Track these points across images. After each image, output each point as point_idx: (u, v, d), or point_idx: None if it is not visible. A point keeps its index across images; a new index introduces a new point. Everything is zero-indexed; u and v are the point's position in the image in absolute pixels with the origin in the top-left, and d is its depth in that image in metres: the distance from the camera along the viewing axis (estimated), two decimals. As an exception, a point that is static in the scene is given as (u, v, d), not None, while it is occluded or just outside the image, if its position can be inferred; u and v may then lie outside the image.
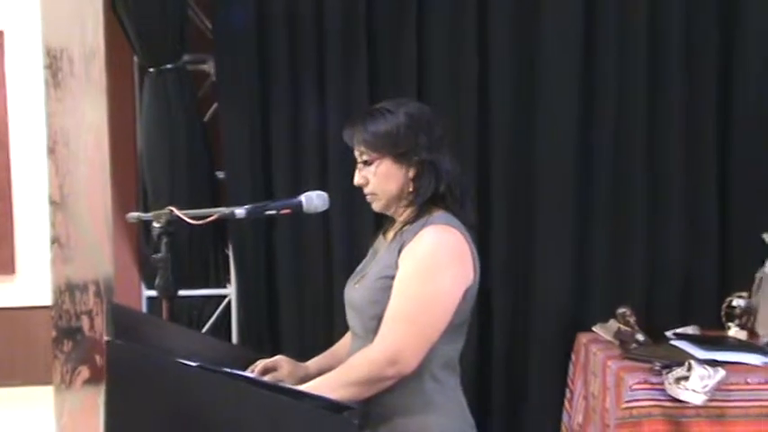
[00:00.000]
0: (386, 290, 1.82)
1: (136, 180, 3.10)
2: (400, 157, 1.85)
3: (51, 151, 3.38)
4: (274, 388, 1.74)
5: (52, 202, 3.36)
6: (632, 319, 2.82)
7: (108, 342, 1.54)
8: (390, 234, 1.93)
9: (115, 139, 2.96)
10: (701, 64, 3.04)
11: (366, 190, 1.91)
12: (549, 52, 3.01)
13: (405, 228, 1.87)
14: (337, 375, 1.80)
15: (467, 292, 1.85)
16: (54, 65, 3.31)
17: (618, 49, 3.02)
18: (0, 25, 5.27)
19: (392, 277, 1.82)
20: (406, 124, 1.85)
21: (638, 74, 3.02)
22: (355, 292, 1.91)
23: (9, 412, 4.75)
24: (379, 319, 1.81)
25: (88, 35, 3.08)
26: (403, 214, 1.90)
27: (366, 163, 1.88)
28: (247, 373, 1.92)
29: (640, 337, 2.76)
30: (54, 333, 3.34)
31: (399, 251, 1.84)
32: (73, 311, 3.25)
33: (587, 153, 3.05)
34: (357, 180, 1.91)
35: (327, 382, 1.78)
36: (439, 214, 1.86)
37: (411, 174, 1.86)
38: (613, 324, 2.88)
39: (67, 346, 3.32)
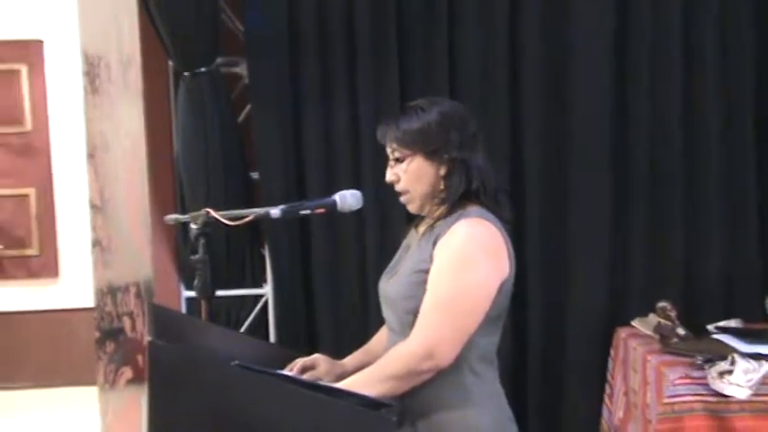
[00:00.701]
0: (421, 284, 1.82)
1: (173, 183, 3.14)
2: (432, 154, 1.85)
3: (91, 156, 3.43)
4: (313, 386, 1.75)
5: (93, 207, 3.41)
6: (673, 314, 2.79)
7: (150, 342, 1.56)
8: (423, 228, 1.93)
9: (152, 144, 3.00)
10: (738, 58, 3.00)
11: (397, 187, 1.91)
12: (580, 50, 2.99)
13: (438, 222, 1.87)
14: (374, 371, 1.80)
15: (502, 284, 1.84)
16: (92, 72, 3.37)
17: (651, 44, 2.99)
18: (40, 35, 5.38)
19: (427, 271, 1.82)
20: (438, 122, 1.85)
21: (673, 69, 2.99)
22: (390, 286, 1.92)
23: (53, 412, 4.83)
24: (415, 313, 1.81)
25: (124, 42, 3.13)
26: (436, 212, 1.90)
27: (398, 160, 1.88)
28: (286, 372, 1.93)
29: (681, 331, 2.73)
30: (97, 334, 3.40)
31: (434, 244, 1.83)
32: (114, 313, 3.30)
33: (624, 146, 3.03)
34: (388, 177, 1.91)
35: (365, 378, 1.78)
36: (473, 208, 1.86)
37: (442, 172, 1.86)
38: (653, 318, 2.85)
39: (110, 347, 3.38)
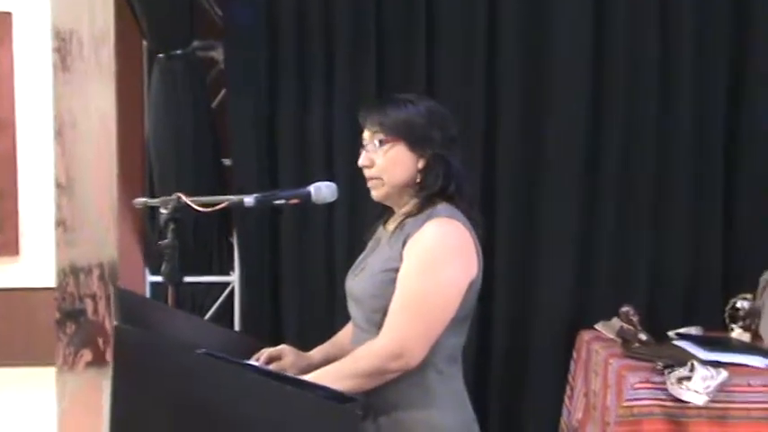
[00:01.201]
0: (389, 283, 1.81)
1: (142, 165, 3.10)
2: (414, 145, 1.85)
3: (58, 134, 3.37)
4: (278, 377, 1.74)
5: (58, 185, 3.36)
6: (635, 318, 2.82)
7: (116, 327, 1.54)
8: (392, 225, 1.92)
9: (122, 124, 2.96)
10: (711, 65, 3.03)
11: (369, 173, 1.89)
12: (558, 50, 3.00)
13: (407, 219, 1.87)
14: (342, 366, 1.80)
15: (471, 285, 1.85)
16: (63, 48, 3.31)
17: (628, 48, 3.01)
18: (7, 7, 5.28)
19: (396, 270, 1.81)
20: (424, 115, 1.86)
21: (648, 74, 3.01)
22: (356, 284, 1.91)
23: (10, 393, 4.76)
24: (383, 311, 1.81)
25: (98, 19, 3.08)
26: (405, 206, 1.90)
27: (380, 143, 1.86)
28: (252, 362, 1.92)
29: (643, 336, 2.76)
30: (57, 315, 3.35)
31: (404, 243, 1.83)
32: (77, 294, 3.26)
33: (593, 152, 3.05)
34: (362, 161, 1.90)
35: (332, 373, 1.78)
36: (443, 207, 1.86)
37: (420, 164, 1.86)
38: (616, 322, 2.88)
39: (70, 328, 3.33)
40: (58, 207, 3.35)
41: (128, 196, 2.87)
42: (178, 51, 2.93)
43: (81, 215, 3.25)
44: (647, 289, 3.05)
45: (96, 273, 3.13)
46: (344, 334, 2.08)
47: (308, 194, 1.96)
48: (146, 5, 2.89)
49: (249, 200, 1.91)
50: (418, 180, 1.87)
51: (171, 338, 1.73)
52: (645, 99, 3.02)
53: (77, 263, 3.24)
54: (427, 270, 1.80)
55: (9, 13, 5.33)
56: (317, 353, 2.06)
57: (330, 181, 2.03)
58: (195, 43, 3.00)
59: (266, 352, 1.98)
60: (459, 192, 1.87)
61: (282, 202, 1.95)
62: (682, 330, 2.90)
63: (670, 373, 2.46)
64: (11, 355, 5.33)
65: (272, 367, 1.93)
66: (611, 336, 2.85)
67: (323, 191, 1.97)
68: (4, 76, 5.28)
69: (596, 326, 2.96)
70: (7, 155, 5.42)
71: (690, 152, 3.04)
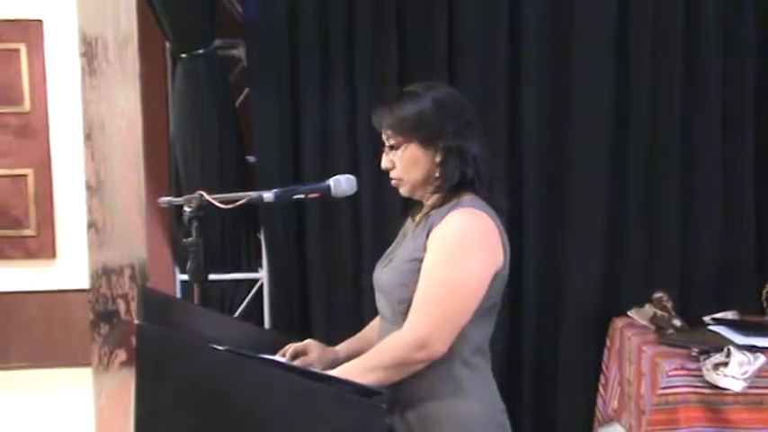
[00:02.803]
0: (414, 273, 1.80)
1: (168, 165, 3.12)
2: (426, 142, 1.83)
3: (87, 137, 3.42)
4: (303, 372, 1.74)
5: (88, 188, 3.40)
6: (669, 304, 2.78)
7: (137, 325, 1.55)
8: (418, 217, 1.91)
9: (148, 125, 2.98)
10: (737, 51, 2.98)
11: (392, 174, 1.89)
12: (582, 35, 2.96)
13: (432, 211, 1.86)
14: (366, 360, 1.79)
15: (496, 274, 1.83)
16: (89, 52, 3.35)
17: (653, 37, 2.96)
18: (38, 14, 5.34)
19: (420, 260, 1.80)
20: (432, 109, 1.83)
21: (675, 59, 2.96)
22: (383, 275, 1.90)
23: (48, 393, 4.84)
24: (408, 302, 1.79)
25: (122, 22, 3.11)
26: (430, 199, 1.89)
27: (393, 147, 1.86)
28: (277, 358, 1.92)
29: (677, 322, 2.72)
30: (91, 316, 3.40)
31: (428, 234, 1.82)
32: (109, 295, 3.30)
33: (623, 136, 3.00)
34: (384, 164, 1.90)
35: (357, 367, 1.77)
36: (467, 198, 1.84)
37: (437, 159, 1.84)
38: (649, 309, 2.84)
39: (104, 329, 3.37)
40: (89, 209, 3.40)
41: (155, 196, 2.89)
42: (200, 51, 2.94)
43: (111, 216, 3.29)
44: (681, 274, 3.01)
45: (127, 273, 3.17)
46: (372, 328, 2.07)
47: (328, 188, 1.95)
48: (166, 6, 2.90)
49: (269, 195, 1.90)
50: (437, 175, 1.85)
51: (193, 336, 1.74)
52: (671, 83, 2.96)
53: (109, 264, 3.28)
54: (450, 260, 1.78)
55: (40, 21, 5.39)
56: (343, 347, 2.05)
57: (354, 174, 2.01)
58: (217, 42, 3.01)
59: (292, 347, 1.98)
60: (479, 178, 1.84)
61: (302, 196, 1.95)
62: (717, 315, 2.85)
63: (706, 359, 2.41)
64: (49, 357, 5.41)
65: (297, 362, 1.93)
66: (645, 322, 2.81)
67: (342, 184, 1.96)
68: (37, 83, 5.32)
69: (629, 312, 2.93)
70: (42, 160, 5.47)
71: (720, 135, 2.98)
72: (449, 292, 1.77)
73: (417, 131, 1.82)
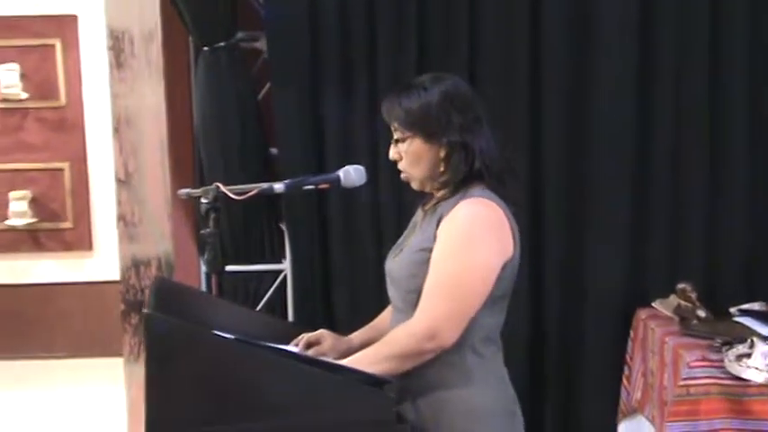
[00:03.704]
0: (424, 263, 1.81)
1: (192, 157, 3.16)
2: (430, 137, 1.83)
3: (116, 131, 3.48)
4: (312, 362, 1.76)
5: (118, 181, 3.47)
6: (693, 295, 2.74)
7: (146, 315, 1.58)
8: (427, 207, 1.92)
9: (172, 118, 3.03)
10: (763, 49, 2.91)
11: (400, 167, 1.90)
12: (604, 26, 2.91)
13: (441, 201, 1.86)
14: (376, 350, 1.80)
15: (506, 264, 1.82)
16: (117, 46, 3.40)
17: (677, 28, 2.91)
18: (73, 10, 5.44)
19: (430, 250, 1.81)
20: (438, 103, 1.82)
21: (699, 50, 2.91)
22: (394, 265, 1.92)
23: (87, 383, 4.96)
24: (418, 292, 1.80)
25: (146, 16, 3.15)
26: (439, 191, 1.89)
27: (400, 140, 1.87)
28: (289, 347, 1.94)
29: (701, 312, 2.68)
30: (122, 307, 3.47)
31: (437, 224, 1.82)
32: (138, 286, 3.36)
33: (646, 125, 2.96)
34: (392, 155, 1.90)
35: (367, 357, 1.78)
36: (476, 188, 1.84)
37: (442, 154, 1.84)
38: (674, 300, 2.80)
39: (134, 319, 3.44)
40: (119, 202, 3.46)
41: (180, 188, 2.93)
42: (222, 44, 2.96)
43: (140, 209, 3.35)
44: (706, 265, 2.96)
45: (155, 264, 3.22)
46: (384, 317, 2.09)
47: (338, 179, 1.97)
48: (189, 0, 2.93)
49: (279, 186, 1.92)
50: (442, 169, 1.84)
51: (202, 325, 1.76)
52: (696, 73, 2.91)
53: (138, 256, 3.34)
54: (460, 250, 1.78)
55: (75, 16, 5.49)
56: (356, 336, 2.06)
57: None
58: (239, 35, 3.03)
59: (305, 337, 2.00)
60: (488, 171, 1.84)
61: (312, 187, 1.96)
62: (744, 306, 2.80)
63: (728, 350, 2.38)
64: (87, 347, 5.54)
65: (310, 352, 1.94)
66: (669, 313, 2.77)
67: (352, 174, 1.97)
68: (72, 78, 5.44)
69: (653, 303, 2.89)
70: (78, 154, 5.60)
71: (744, 125, 2.92)
72: (458, 283, 1.77)
73: (422, 126, 1.82)
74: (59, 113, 5.51)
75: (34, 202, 5.44)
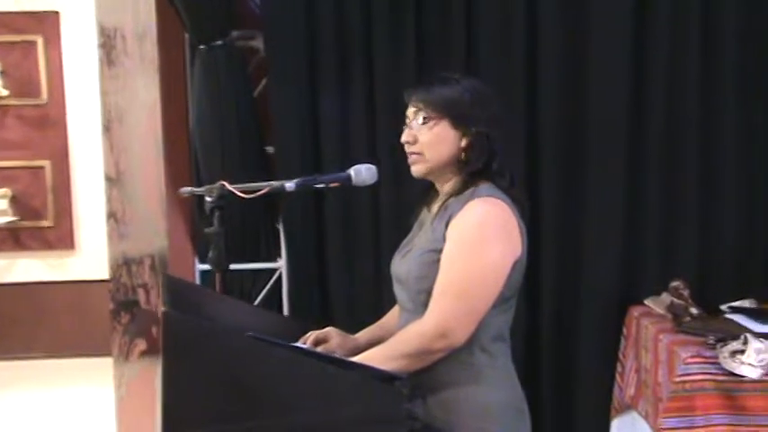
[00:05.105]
0: (434, 263, 1.82)
1: (188, 156, 3.15)
2: (458, 122, 1.85)
3: (106, 129, 3.44)
4: (326, 358, 1.77)
5: (108, 179, 3.43)
6: (686, 293, 2.78)
7: (164, 313, 1.58)
8: (435, 206, 1.93)
9: (167, 116, 3.01)
10: (755, 38, 2.96)
11: (412, 149, 1.89)
12: (598, 28, 2.96)
13: (450, 200, 1.87)
14: (388, 348, 1.81)
15: (515, 263, 1.85)
16: (108, 43, 3.37)
17: (670, 23, 2.95)
18: (56, 6, 5.38)
19: (440, 251, 1.82)
20: (470, 94, 1.86)
21: (691, 43, 2.95)
22: (402, 266, 1.92)
23: (69, 383, 4.90)
24: (429, 292, 1.82)
25: (140, 13, 3.13)
26: (446, 184, 1.90)
27: (424, 120, 1.87)
28: (299, 344, 1.95)
29: (694, 310, 2.73)
30: (112, 306, 3.44)
31: (447, 224, 1.84)
32: (129, 285, 3.33)
33: (640, 124, 3.00)
34: (405, 137, 1.91)
35: (378, 355, 1.80)
36: (485, 186, 1.86)
37: (464, 143, 1.86)
38: (666, 297, 2.84)
39: (125, 318, 3.41)
40: (109, 200, 3.43)
41: (175, 187, 2.92)
42: (219, 42, 2.96)
43: (131, 207, 3.32)
44: (698, 263, 3.00)
45: (147, 262, 3.20)
46: (391, 316, 2.10)
47: (349, 177, 1.97)
48: (185, -2, 2.92)
49: (290, 184, 1.92)
50: (462, 158, 1.86)
51: (218, 323, 1.76)
52: (689, 73, 2.96)
53: (129, 254, 3.31)
54: (470, 250, 1.80)
55: (57, 13, 5.43)
56: (363, 335, 2.08)
57: (373, 163, 2.03)
58: (235, 33, 3.03)
59: (313, 335, 2.01)
60: (501, 171, 1.87)
61: (323, 185, 1.97)
62: (735, 304, 2.85)
63: (722, 346, 2.42)
64: (69, 347, 5.47)
65: (318, 350, 1.96)
66: (661, 311, 2.82)
67: (363, 173, 1.98)
68: (55, 75, 5.36)
69: (646, 301, 2.93)
70: (60, 151, 5.52)
71: (736, 122, 2.97)
72: (469, 282, 1.79)
73: (452, 110, 1.85)
74: (41, 111, 5.42)
75: (15, 201, 5.36)
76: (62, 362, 5.27)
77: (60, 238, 5.58)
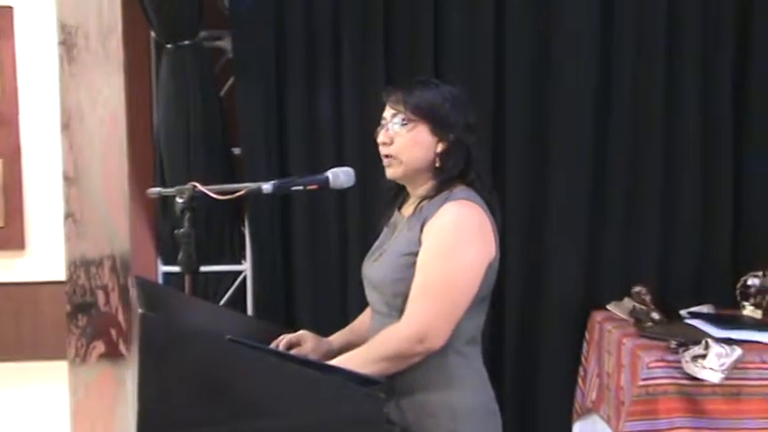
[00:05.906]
0: (410, 267, 1.82)
1: (152, 156, 3.10)
2: (437, 128, 1.86)
3: (65, 127, 3.37)
4: (303, 362, 1.76)
5: (66, 178, 3.36)
6: (648, 298, 2.84)
7: (142, 315, 1.55)
8: (409, 209, 1.93)
9: (132, 115, 2.96)
10: (718, 42, 3.04)
11: (387, 150, 1.89)
12: (565, 36, 2.99)
13: (424, 202, 1.87)
14: (366, 351, 1.81)
15: (489, 266, 1.86)
16: (68, 41, 3.30)
17: (636, 30, 3.01)
18: (9, 2, 5.26)
19: (415, 254, 1.83)
20: (449, 100, 1.87)
21: (656, 47, 3.01)
22: (375, 269, 1.92)
23: (18, 387, 4.78)
24: (404, 296, 1.82)
25: (105, 11, 3.07)
26: (420, 188, 1.90)
27: (403, 122, 1.86)
28: (273, 348, 1.94)
29: (655, 315, 2.78)
30: (68, 308, 3.35)
31: (422, 227, 1.84)
32: (88, 286, 3.26)
33: (603, 132, 3.05)
34: (381, 137, 1.90)
35: (356, 358, 1.79)
36: (460, 189, 1.87)
37: (440, 148, 1.87)
38: (628, 302, 2.90)
39: (82, 320, 3.33)
40: (67, 200, 3.35)
41: (138, 187, 2.87)
42: (186, 42, 2.92)
43: (90, 207, 3.25)
44: (658, 268, 3.06)
45: (108, 264, 3.13)
46: (363, 320, 2.09)
47: (326, 180, 1.97)
48: (152, -4, 2.88)
49: (267, 186, 1.91)
50: (437, 164, 1.87)
51: (196, 325, 1.74)
52: (652, 80, 3.02)
53: (87, 255, 3.24)
54: (447, 253, 1.81)
55: (10, 8, 5.31)
56: (336, 338, 2.07)
57: (339, 166, 2.03)
58: (203, 33, 2.99)
59: (285, 338, 2.00)
60: (480, 179, 1.88)
61: (301, 188, 1.96)
62: (693, 309, 2.92)
63: (684, 351, 2.48)
64: (19, 350, 5.35)
65: (292, 353, 1.94)
66: (624, 316, 2.86)
67: (341, 177, 1.98)
68: (7, 72, 5.26)
69: (608, 306, 2.98)
70: (12, 150, 5.41)
71: (698, 127, 3.04)
72: (446, 285, 1.80)
73: (431, 115, 1.85)
74: (-7, 108, 5.33)
75: (-36, 200, 5.23)
76: (8, 365, 5.14)
77: (10, 238, 5.48)
